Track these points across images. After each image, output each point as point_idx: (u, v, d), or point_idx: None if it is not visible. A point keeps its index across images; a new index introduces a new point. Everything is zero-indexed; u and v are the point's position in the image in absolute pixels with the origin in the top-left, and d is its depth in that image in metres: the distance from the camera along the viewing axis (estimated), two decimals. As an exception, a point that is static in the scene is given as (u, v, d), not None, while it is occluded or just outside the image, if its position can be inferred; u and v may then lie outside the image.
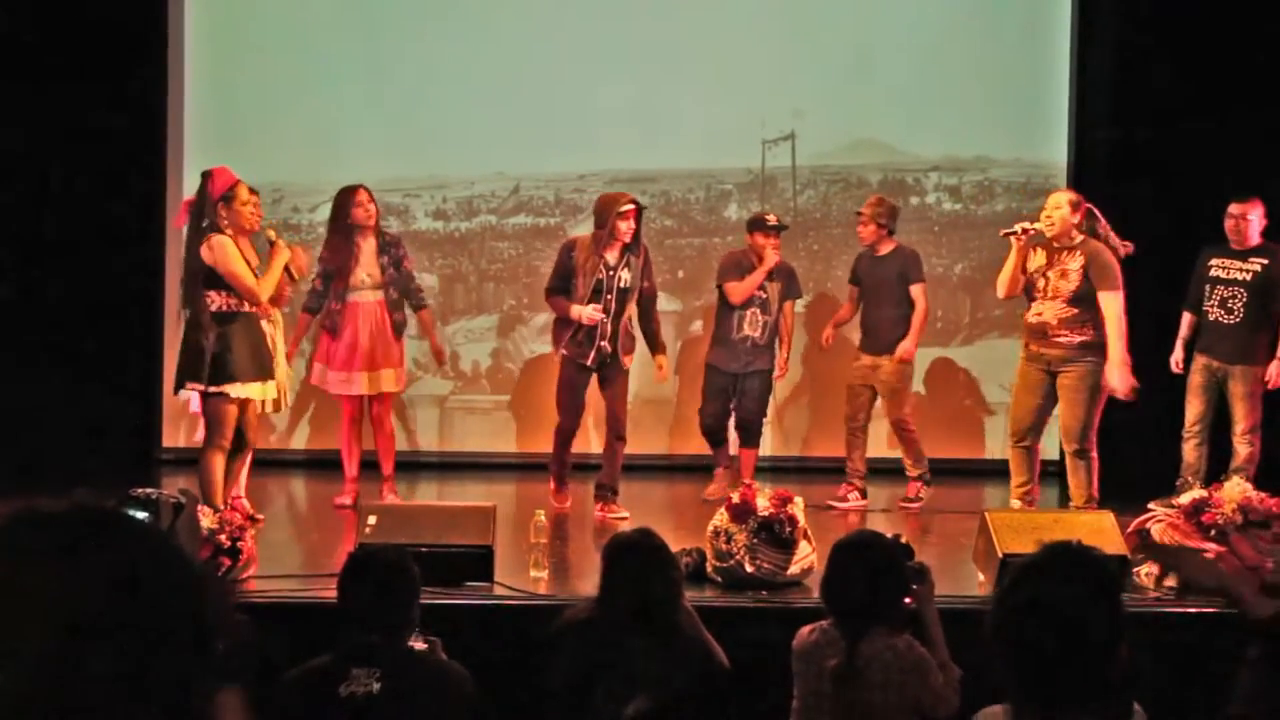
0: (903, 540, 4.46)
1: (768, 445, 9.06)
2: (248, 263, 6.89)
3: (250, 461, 7.41)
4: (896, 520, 7.85)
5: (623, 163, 9.35)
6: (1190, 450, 7.95)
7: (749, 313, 8.32)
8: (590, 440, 8.24)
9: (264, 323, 7.22)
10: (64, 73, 8.80)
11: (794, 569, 6.01)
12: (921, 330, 8.27)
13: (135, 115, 9.10)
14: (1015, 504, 7.34)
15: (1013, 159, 9.66)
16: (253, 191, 7.27)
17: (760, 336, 8.33)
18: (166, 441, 9.25)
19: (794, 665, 4.27)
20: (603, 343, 7.74)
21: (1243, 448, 7.82)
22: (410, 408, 9.50)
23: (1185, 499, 6.30)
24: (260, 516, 7.28)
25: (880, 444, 8.56)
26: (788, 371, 8.74)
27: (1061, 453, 7.56)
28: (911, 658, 4.11)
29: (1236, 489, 6.21)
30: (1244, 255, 7.90)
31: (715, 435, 8.41)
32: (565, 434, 7.87)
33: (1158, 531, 6.20)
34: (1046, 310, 7.27)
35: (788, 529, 5.98)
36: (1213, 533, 6.04)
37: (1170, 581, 5.93)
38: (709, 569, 6.07)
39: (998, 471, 7.69)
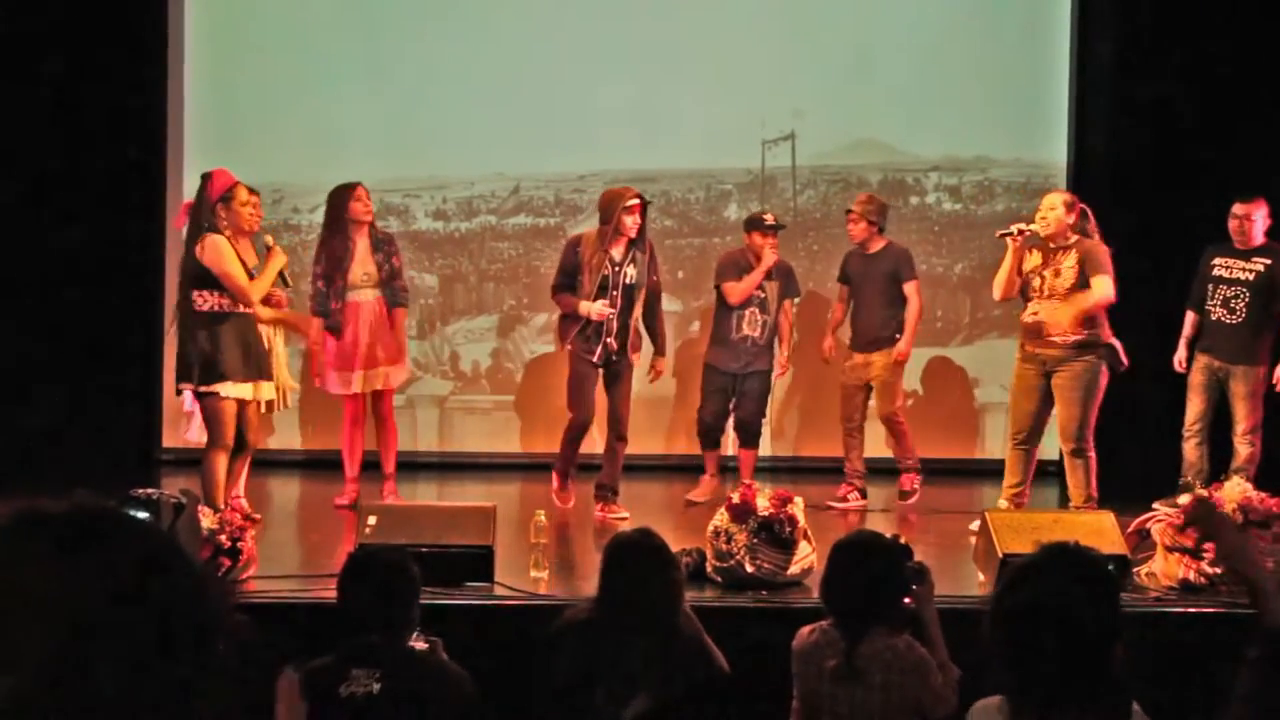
0: (902, 540, 4.46)
1: (767, 446, 9.06)
2: (244, 264, 6.90)
3: (250, 461, 7.42)
4: (895, 520, 7.86)
5: (623, 163, 9.34)
6: (1191, 449, 7.95)
7: (748, 312, 8.31)
8: (591, 440, 8.22)
9: (261, 324, 7.23)
10: (64, 73, 8.80)
11: (794, 569, 6.01)
12: (916, 328, 8.27)
13: (135, 116, 9.10)
14: (1003, 504, 7.32)
15: (1013, 159, 9.67)
16: (253, 192, 7.28)
17: (760, 336, 8.32)
18: (166, 442, 9.25)
19: (794, 665, 4.27)
20: (609, 339, 7.72)
21: (1243, 448, 7.82)
22: (410, 408, 9.50)
23: (1185, 499, 6.30)
24: (257, 516, 7.28)
25: (878, 444, 8.56)
26: (789, 369, 8.74)
27: (1060, 453, 7.56)
28: (911, 658, 4.12)
29: (1237, 489, 6.22)
30: (1247, 255, 7.90)
31: (712, 435, 8.39)
32: (577, 429, 7.82)
33: (1157, 532, 6.21)
34: (1042, 310, 7.28)
35: (788, 529, 5.98)
36: (1212, 533, 6.04)
37: (1207, 550, 5.89)
38: (709, 569, 6.07)
39: (998, 471, 7.69)
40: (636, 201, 7.66)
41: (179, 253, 7.27)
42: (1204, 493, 6.31)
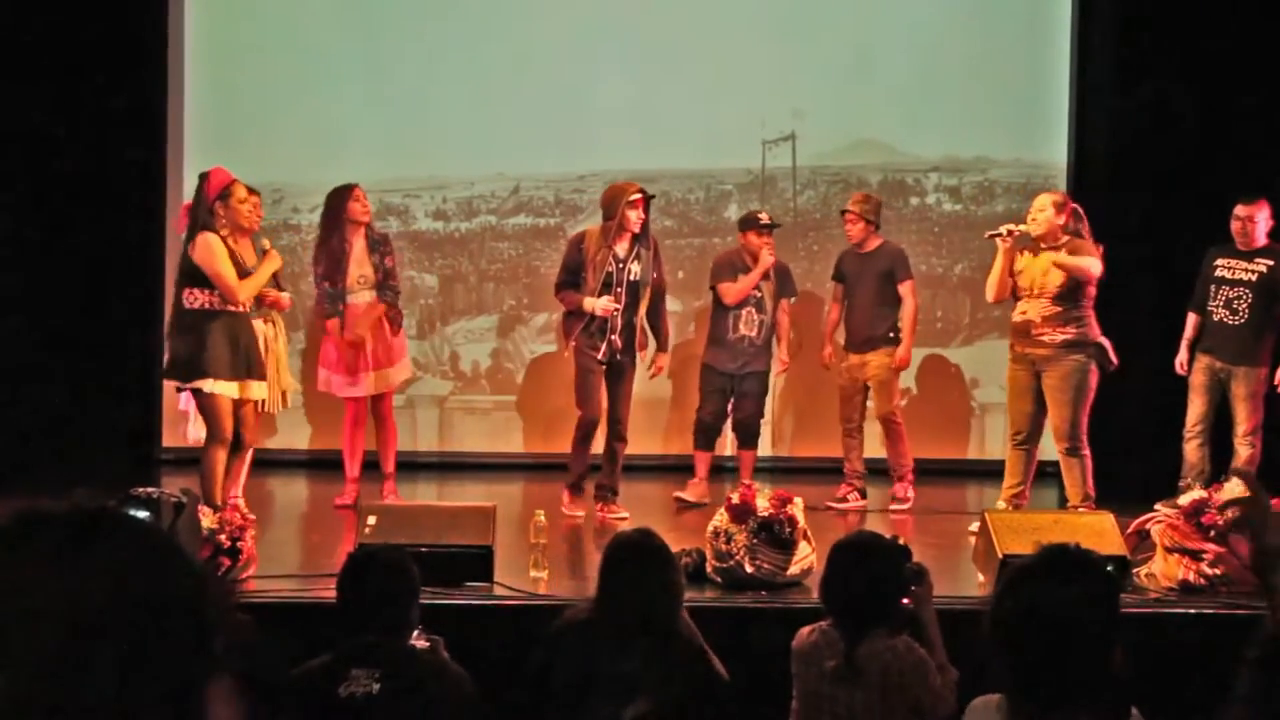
0: (900, 542, 4.46)
1: (766, 446, 9.06)
2: (242, 263, 6.88)
3: (250, 461, 7.41)
4: (893, 520, 7.85)
5: (623, 163, 9.34)
6: (1192, 450, 7.95)
7: (744, 312, 8.30)
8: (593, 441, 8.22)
9: (259, 321, 7.23)
10: (64, 73, 8.80)
11: (794, 569, 6.01)
12: (914, 330, 8.27)
13: (135, 116, 9.10)
14: (1001, 505, 7.33)
15: (1013, 159, 9.67)
16: (253, 191, 7.28)
17: (757, 336, 8.31)
18: (166, 442, 9.25)
19: (793, 666, 4.27)
20: (613, 336, 7.70)
21: (1244, 449, 7.81)
22: (410, 408, 9.50)
23: (1185, 500, 6.31)
24: (252, 516, 7.27)
25: (878, 444, 8.56)
26: (789, 366, 8.71)
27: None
28: (911, 659, 4.11)
29: (1234, 491, 6.22)
30: (1250, 256, 7.90)
31: (708, 435, 8.38)
32: (586, 427, 7.77)
33: (1157, 533, 6.21)
34: (1031, 309, 7.30)
35: (787, 529, 5.98)
36: (1212, 534, 6.04)
37: (1207, 551, 5.90)
38: (709, 569, 6.07)
39: (998, 472, 7.70)
40: (640, 196, 7.64)
41: (179, 253, 7.26)
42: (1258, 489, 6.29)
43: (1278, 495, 6.20)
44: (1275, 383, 7.82)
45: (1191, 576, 6.00)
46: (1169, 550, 6.10)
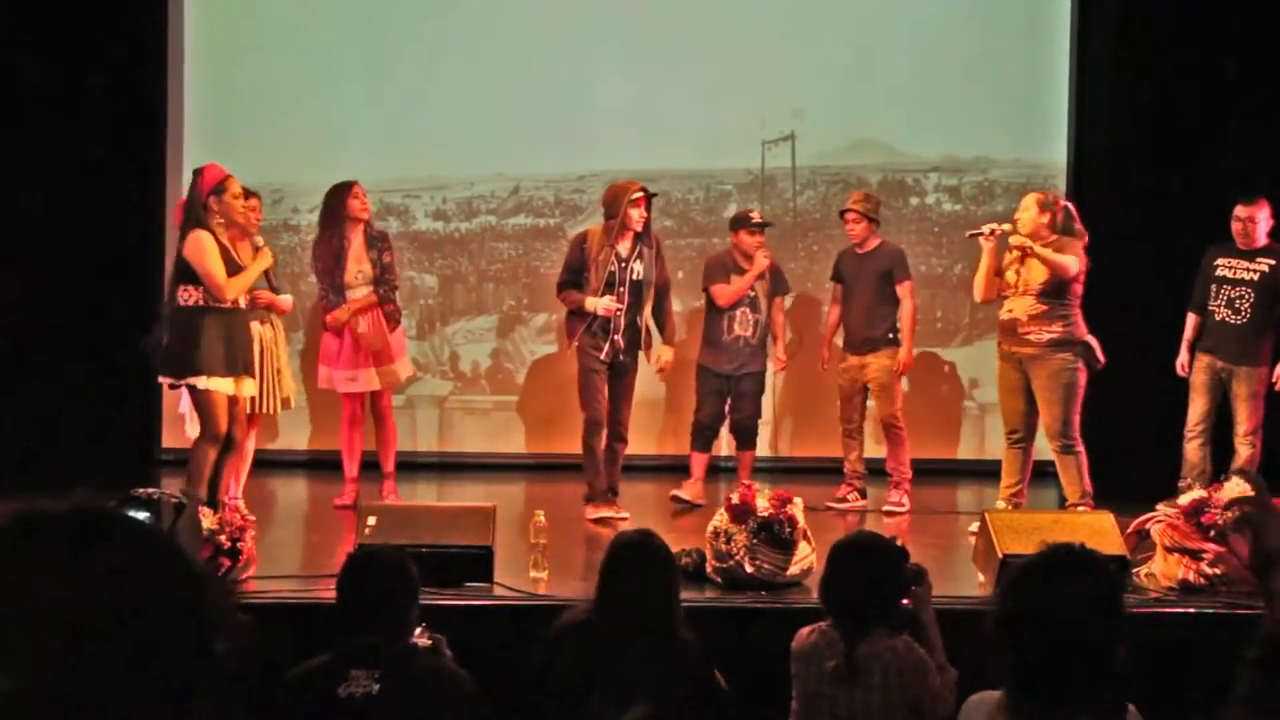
0: (898, 543, 4.47)
1: (765, 446, 9.05)
2: (236, 261, 6.86)
3: (251, 462, 7.41)
4: (892, 520, 7.85)
5: (623, 163, 9.33)
6: (1193, 450, 7.94)
7: (738, 313, 8.27)
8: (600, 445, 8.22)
9: (255, 323, 7.22)
10: (64, 73, 8.79)
11: (793, 569, 6.00)
12: (914, 332, 8.26)
13: (135, 115, 9.10)
14: (1000, 504, 7.34)
15: (1013, 159, 9.66)
16: (253, 193, 7.26)
17: (752, 336, 8.29)
18: (166, 442, 9.24)
19: (793, 666, 4.27)
20: (616, 337, 7.69)
21: (1244, 449, 7.81)
22: (410, 408, 9.49)
23: (1185, 500, 6.31)
24: (253, 517, 7.26)
25: (877, 444, 8.56)
26: (787, 363, 8.68)
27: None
28: (911, 659, 4.11)
29: (1236, 490, 6.22)
30: (1251, 255, 7.90)
31: (707, 436, 8.35)
32: (592, 427, 7.75)
33: (1157, 532, 6.21)
34: (1017, 307, 7.33)
35: (787, 529, 5.98)
36: (1212, 534, 6.04)
37: (1207, 551, 5.90)
38: (709, 569, 6.06)
39: (998, 472, 7.70)
40: (642, 194, 7.63)
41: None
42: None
43: (1278, 496, 6.19)
44: (1275, 380, 7.82)
45: (1191, 576, 6.00)
46: (1169, 550, 6.10)
